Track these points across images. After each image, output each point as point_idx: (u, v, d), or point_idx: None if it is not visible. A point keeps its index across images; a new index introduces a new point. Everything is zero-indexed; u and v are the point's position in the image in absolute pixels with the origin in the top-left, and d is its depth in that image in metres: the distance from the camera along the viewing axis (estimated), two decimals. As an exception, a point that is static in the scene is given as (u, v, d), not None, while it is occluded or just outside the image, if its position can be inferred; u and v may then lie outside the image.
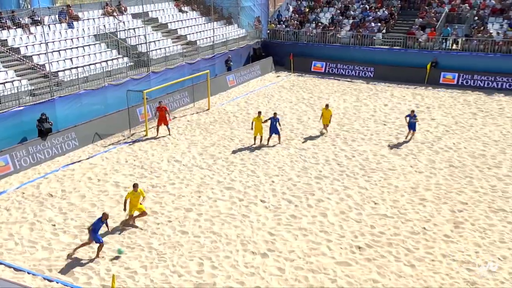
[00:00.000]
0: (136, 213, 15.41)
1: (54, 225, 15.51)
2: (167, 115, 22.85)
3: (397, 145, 21.41)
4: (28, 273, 13.17)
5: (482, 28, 31.54)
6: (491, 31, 31.15)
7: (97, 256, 13.81)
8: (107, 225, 14.22)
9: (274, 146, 21.56)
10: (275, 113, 21.85)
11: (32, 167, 19.73)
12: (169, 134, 23.00)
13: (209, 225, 15.33)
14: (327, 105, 22.67)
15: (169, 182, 18.39)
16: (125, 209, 15.29)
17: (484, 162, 19.59)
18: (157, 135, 22.91)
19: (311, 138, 22.50)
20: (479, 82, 30.07)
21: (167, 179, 18.59)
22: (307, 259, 13.58)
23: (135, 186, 15.29)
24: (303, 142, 21.98)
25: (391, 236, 14.63)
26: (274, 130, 21.54)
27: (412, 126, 21.72)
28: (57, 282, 12.82)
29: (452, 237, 14.49)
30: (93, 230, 13.62)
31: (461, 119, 24.60)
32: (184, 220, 15.67)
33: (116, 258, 13.74)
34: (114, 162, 20.24)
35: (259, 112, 21.79)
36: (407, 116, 21.96)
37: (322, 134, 22.78)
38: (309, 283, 12.61)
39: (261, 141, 21.67)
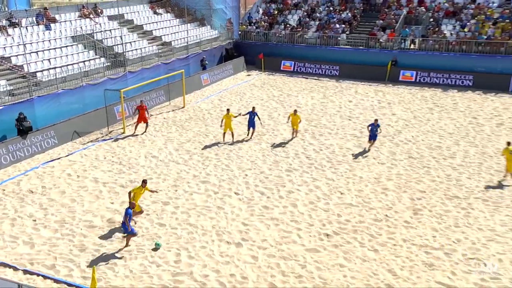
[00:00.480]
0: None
1: (35, 220, 15.16)
2: (146, 113, 22.53)
3: (361, 139, 21.66)
4: (10, 266, 12.86)
5: (437, 29, 32.13)
6: (445, 32, 31.76)
7: (127, 245, 13.65)
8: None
9: (247, 141, 21.54)
10: (253, 107, 21.88)
11: (12, 165, 19.22)
12: (145, 132, 22.69)
13: (186, 217, 15.24)
14: (295, 111, 21.52)
15: (147, 177, 18.15)
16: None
17: (440, 153, 20.01)
18: (135, 132, 22.61)
19: (281, 133, 22.56)
20: (435, 79, 30.64)
21: (145, 174, 18.37)
22: (279, 247, 13.64)
23: (144, 182, 14.88)
24: (274, 137, 22.03)
25: (356, 223, 14.82)
26: (252, 124, 21.58)
27: (373, 136, 20.14)
28: (39, 275, 12.55)
29: (412, 223, 14.77)
30: (125, 222, 13.29)
31: (419, 114, 25.05)
32: (161, 213, 15.53)
33: (155, 250, 13.56)
34: (93, 159, 19.90)
35: (228, 110, 21.69)
36: (369, 125, 20.31)
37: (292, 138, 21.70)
38: (281, 270, 12.68)
39: (232, 137, 21.58)
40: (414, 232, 14.30)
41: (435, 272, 12.48)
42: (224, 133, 21.42)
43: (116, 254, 13.38)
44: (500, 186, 16.99)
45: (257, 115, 21.71)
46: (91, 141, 21.95)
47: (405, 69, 31.49)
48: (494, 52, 29.69)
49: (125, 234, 13.73)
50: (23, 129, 20.22)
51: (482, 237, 13.99)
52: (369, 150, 20.25)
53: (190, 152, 20.51)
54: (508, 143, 17.57)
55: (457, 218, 15.03)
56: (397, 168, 18.57)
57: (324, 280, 12.26)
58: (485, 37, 30.23)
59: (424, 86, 30.19)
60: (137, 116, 22.65)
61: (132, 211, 13.64)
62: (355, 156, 19.82)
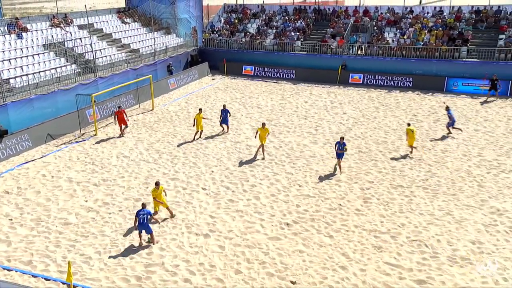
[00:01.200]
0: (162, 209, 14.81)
1: (11, 219, 14.57)
2: (125, 116, 21.92)
3: (317, 136, 21.92)
4: (-12, 265, 12.32)
5: (380, 36, 32.88)
6: (387, 39, 32.53)
7: (155, 242, 13.24)
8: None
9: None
10: (224, 105, 21.80)
11: (-13, 168, 18.40)
12: (123, 135, 22.07)
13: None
14: (263, 124, 18.91)
15: (119, 175, 17.79)
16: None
17: (386, 147, 20.49)
18: (123, 134, 21.95)
19: (244, 132, 22.54)
20: (380, 81, 31.31)
21: (117, 173, 17.98)
22: (244, 237, 13.65)
23: (156, 184, 14.48)
24: (237, 136, 21.99)
25: (313, 212, 15.00)
26: (225, 121, 21.59)
27: (340, 155, 17.49)
28: (16, 271, 12.07)
29: (362, 211, 15.08)
30: (144, 223, 12.85)
31: (367, 112, 25.55)
32: (133, 209, 15.21)
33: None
34: (67, 160, 19.29)
35: (200, 109, 21.52)
36: (336, 143, 17.57)
37: (262, 158, 19.02)
38: (246, 257, 12.69)
39: (200, 135, 21.42)
40: (364, 218, 14.60)
41: (383, 254, 12.80)
42: (197, 132, 21.23)
43: (91, 249, 13.04)
44: (437, 175, 17.57)
45: (229, 112, 21.77)
46: (65, 143, 21.28)
47: (353, 73, 32.01)
48: (430, 57, 30.64)
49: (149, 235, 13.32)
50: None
51: (423, 221, 14.44)
52: (335, 169, 17.64)
53: (160, 151, 20.20)
54: (408, 124, 19.62)
55: (402, 204, 15.44)
56: (349, 162, 18.90)
57: (285, 265, 12.36)
58: (422, 43, 31.19)
59: (370, 88, 30.83)
60: (117, 121, 21.93)
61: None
62: (311, 151, 20.04)
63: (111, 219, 14.60)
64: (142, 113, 25.81)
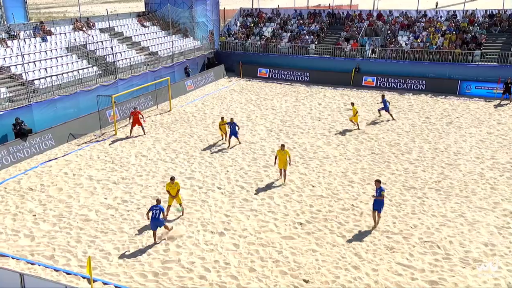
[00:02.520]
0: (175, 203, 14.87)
1: (35, 215, 14.80)
2: (141, 118, 22.05)
3: (330, 137, 21.81)
4: (13, 258, 12.55)
5: (393, 40, 32.56)
6: (401, 42, 32.20)
7: (164, 239, 13.32)
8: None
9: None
10: (231, 119, 20.48)
11: (13, 165, 18.73)
12: (144, 134, 22.23)
13: (173, 210, 15.08)
14: (282, 146, 16.67)
15: (137, 174, 17.94)
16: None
17: (399, 149, 20.27)
18: (131, 135, 22.14)
19: (258, 133, 22.54)
20: (393, 84, 31.02)
21: (135, 172, 18.13)
22: (258, 235, 13.62)
23: (172, 179, 14.61)
24: (252, 137, 21.99)
25: (326, 213, 14.90)
26: (233, 133, 20.30)
27: (377, 205, 13.83)
28: (39, 265, 12.26)
29: (375, 211, 14.91)
30: (157, 217, 12.92)
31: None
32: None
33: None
34: (88, 158, 19.53)
35: (222, 118, 21.26)
36: (376, 190, 13.80)
37: (281, 184, 16.83)
38: (260, 255, 12.66)
39: (225, 138, 20.98)
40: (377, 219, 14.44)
41: (395, 255, 12.65)
42: (224, 137, 20.98)
43: (110, 245, 13.16)
44: (450, 177, 17.31)
45: (237, 125, 20.27)
46: (86, 142, 21.54)
47: (367, 75, 31.76)
48: (443, 60, 30.23)
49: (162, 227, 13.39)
50: (23, 132, 19.75)
51: (436, 222, 14.23)
52: (376, 224, 14.00)
53: (177, 151, 20.31)
54: (352, 104, 23.16)
55: (414, 206, 15.25)
56: (362, 163, 18.74)
57: (298, 263, 12.30)
58: (435, 46, 30.79)
59: (384, 90, 30.51)
60: (131, 121, 22.10)
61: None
62: (325, 153, 19.93)
63: (129, 216, 14.72)
64: (160, 114, 26.00)
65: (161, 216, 13.23)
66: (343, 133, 22.37)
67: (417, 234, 13.56)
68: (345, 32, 34.67)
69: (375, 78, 31.46)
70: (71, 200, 15.83)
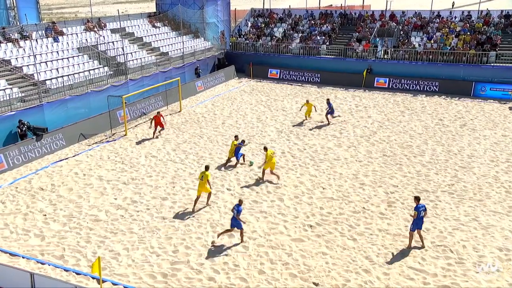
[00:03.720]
0: (203, 194, 15.27)
1: (45, 215, 14.95)
2: (162, 120, 22.15)
3: (341, 139, 21.70)
4: (23, 257, 12.68)
5: (406, 40, 32.32)
6: (414, 43, 31.95)
7: (242, 241, 13.30)
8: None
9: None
10: (236, 136, 19.22)
11: (24, 165, 18.96)
12: (160, 134, 22.25)
13: (183, 211, 15.12)
14: (265, 148, 17.47)
15: (147, 175, 18.03)
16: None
17: (411, 151, 20.10)
18: (154, 136, 22.06)
19: (269, 134, 22.52)
20: (405, 85, 30.78)
21: (145, 172, 18.22)
22: (267, 237, 13.59)
23: (207, 167, 15.20)
24: (262, 138, 21.97)
25: (336, 215, 14.82)
26: (237, 154, 18.53)
27: (417, 223, 12.94)
28: (49, 265, 12.37)
29: (386, 214, 14.81)
30: (236, 218, 12.99)
31: (392, 116, 25.15)
32: (161, 207, 15.39)
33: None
34: (98, 159, 19.68)
35: (236, 136, 19.23)
36: (416, 209, 12.86)
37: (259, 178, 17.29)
38: (269, 258, 12.63)
39: (227, 162, 19.02)
40: (388, 222, 14.34)
41: (407, 258, 12.52)
42: (228, 159, 18.81)
43: (120, 245, 13.24)
44: (463, 180, 17.11)
45: (243, 143, 18.60)
46: (96, 142, 21.72)
47: (379, 76, 31.58)
48: (457, 61, 29.92)
49: (239, 230, 13.25)
50: (34, 132, 20.02)
51: (449, 226, 14.08)
52: (422, 244, 13.16)
53: (186, 152, 20.38)
54: (307, 101, 24.13)
55: (427, 209, 15.06)
56: (373, 165, 18.62)
57: (308, 266, 12.25)
58: (449, 47, 30.49)
59: (396, 92, 30.33)
60: (153, 125, 22.07)
61: (241, 207, 13.26)
62: (335, 154, 19.83)
63: (139, 217, 14.80)
64: (170, 114, 26.12)
65: (239, 217, 13.11)
66: (354, 134, 22.24)
67: (429, 238, 13.42)
68: (357, 33, 34.51)
69: (387, 79, 31.25)
70: (81, 200, 15.97)
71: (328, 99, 24.38)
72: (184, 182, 17.29)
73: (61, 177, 17.87)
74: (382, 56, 32.63)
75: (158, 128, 22.19)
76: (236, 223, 13.10)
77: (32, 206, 15.55)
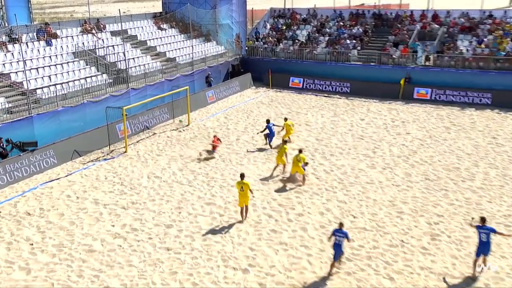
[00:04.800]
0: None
1: (32, 244, 15.09)
2: (218, 142, 22.66)
3: (375, 159, 21.53)
4: (5, 294, 12.78)
5: (452, 45, 32.18)
6: (461, 48, 31.78)
7: (333, 269, 13.52)
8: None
9: (255, 157, 21.47)
10: (242, 174, 17.83)
11: (9, 185, 19.26)
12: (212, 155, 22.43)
13: (190, 241, 15.12)
14: (242, 175, 16.55)
15: (149, 198, 18.13)
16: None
17: (458, 175, 19.81)
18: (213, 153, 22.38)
19: (290, 153, 22.44)
20: (451, 97, 30.53)
21: (147, 196, 18.33)
22: (288, 274, 13.46)
23: (242, 176, 16.16)
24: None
25: (370, 249, 14.62)
26: (272, 134, 22.85)
27: (484, 247, 13.16)
28: (35, 303, 12.43)
29: (430, 249, 14.55)
30: (340, 244, 13.24)
31: (435, 133, 24.91)
32: (164, 236, 15.41)
33: None
34: (94, 179, 19.90)
35: (285, 141, 20.87)
36: (479, 228, 13.25)
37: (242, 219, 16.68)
38: (290, 298, 12.49)
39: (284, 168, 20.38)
40: (432, 259, 14.07)
41: (455, 303, 12.24)
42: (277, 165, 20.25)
43: (117, 280, 13.24)
44: (522, 210, 16.74)
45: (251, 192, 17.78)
46: (92, 160, 21.99)
47: (419, 87, 31.42)
48: (513, 69, 29.65)
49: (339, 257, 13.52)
50: (22, 148, 20.32)
51: (506, 265, 13.73)
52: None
53: (195, 172, 20.47)
54: (285, 119, 23.74)
55: (478, 244, 14.77)
56: (413, 191, 18.39)
57: (336, 310, 12.06)
58: (504, 53, 30.21)
59: (439, 104, 30.09)
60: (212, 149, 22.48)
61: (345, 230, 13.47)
62: (368, 177, 19.66)
63: (139, 247, 14.83)
64: (177, 128, 26.35)
65: (345, 243, 13.33)
66: (390, 154, 22.05)
67: (482, 279, 13.09)
68: (394, 36, 34.51)
69: (429, 90, 31.10)
70: (74, 227, 16.09)
71: (267, 120, 23.50)
72: (192, 207, 17.32)
73: (51, 200, 18.08)
74: (423, 63, 32.48)
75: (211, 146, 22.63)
76: (339, 250, 13.26)
77: (17, 234, 15.72)
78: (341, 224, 13.56)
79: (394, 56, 32.79)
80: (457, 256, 14.20)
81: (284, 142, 20.78)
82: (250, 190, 16.19)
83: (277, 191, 18.53)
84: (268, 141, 23.27)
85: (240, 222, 16.20)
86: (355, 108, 29.84)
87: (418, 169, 20.43)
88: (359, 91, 32.60)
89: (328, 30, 37.33)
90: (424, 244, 14.82)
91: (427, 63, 32.45)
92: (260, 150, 22.89)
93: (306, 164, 19.20)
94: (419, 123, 26.67)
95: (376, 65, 33.11)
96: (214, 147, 22.51)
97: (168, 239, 15.25)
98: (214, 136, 23.05)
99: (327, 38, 36.27)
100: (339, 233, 13.29)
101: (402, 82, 31.60)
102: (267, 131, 22.99)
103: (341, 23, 37.54)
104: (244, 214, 16.40)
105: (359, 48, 34.52)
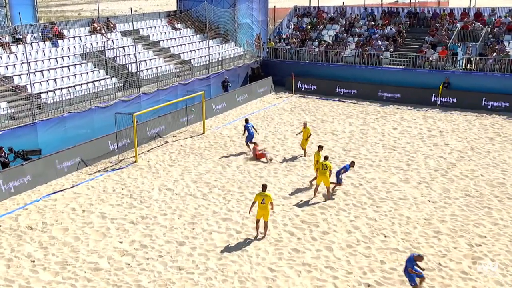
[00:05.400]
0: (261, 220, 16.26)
1: (33, 261, 15.30)
2: (259, 148, 23.28)
3: (409, 172, 21.37)
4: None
5: (497, 46, 31.85)
6: (507, 50, 31.43)
7: None
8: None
9: (276, 170, 21.48)
10: (246, 119, 23.70)
11: (11, 197, 19.57)
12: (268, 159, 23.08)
13: (204, 260, 15.16)
14: (264, 186, 16.58)
15: (161, 212, 18.25)
16: (250, 211, 16.59)
17: (504, 191, 19.53)
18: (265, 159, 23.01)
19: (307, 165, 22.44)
20: (495, 104, 30.17)
21: (158, 210, 18.46)
22: (312, 298, 13.41)
23: (264, 187, 16.27)
24: (306, 169, 21.92)
25: (403, 272, 14.44)
26: (251, 135, 23.58)
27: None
28: (36, 325, 12.59)
29: (471, 274, 14.34)
30: (408, 269, 13.38)
31: (477, 144, 24.63)
32: (176, 254, 15.48)
33: None
34: (101, 191, 20.13)
35: (320, 148, 20.75)
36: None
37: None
38: (314, 325, 12.42)
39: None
40: (474, 285, 13.87)
41: (499, 334, 12.01)
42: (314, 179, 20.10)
43: (124, 302, 13.34)
44: None
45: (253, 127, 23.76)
46: (99, 170, 22.26)
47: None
48: None
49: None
50: (25, 157, 20.69)
51: (556, 292, 13.46)
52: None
53: (210, 184, 20.56)
54: (305, 124, 23.37)
55: (525, 268, 14.53)
56: (452, 208, 18.19)
57: None
58: (556, 55, 29.81)
59: (482, 112, 29.75)
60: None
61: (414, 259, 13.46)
62: (401, 192, 19.50)
63: (149, 266, 14.92)
64: (191, 137, 26.55)
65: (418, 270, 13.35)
66: (426, 167, 21.85)
67: (529, 308, 12.84)
68: (431, 37, 34.35)
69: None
70: (79, 243, 16.28)
71: (246, 119, 24.51)
72: (206, 223, 17.39)
73: (55, 214, 18.33)
74: (464, 67, 32.23)
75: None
76: (410, 278, 13.28)
77: (18, 250, 15.94)
78: (420, 257, 13.41)
79: (431, 59, 32.58)
80: (502, 282, 13.96)
81: (320, 148, 20.66)
82: (271, 204, 16.23)
83: (300, 206, 18.49)
84: (246, 141, 24.10)
85: (259, 238, 16.18)
86: (387, 116, 29.67)
87: (458, 184, 20.19)
88: (391, 97, 32.44)
89: (357, 30, 37.32)
90: (465, 268, 14.60)
91: (468, 67, 32.18)
92: (281, 161, 22.90)
93: (342, 172, 19.62)
94: (459, 133, 26.40)
95: (411, 69, 32.95)
96: (260, 156, 23.01)
97: (180, 258, 15.32)
98: (254, 148, 23.39)
99: (356, 39, 36.25)
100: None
101: (440, 87, 31.37)
102: (246, 132, 23.90)
103: (372, 23, 37.51)
104: (263, 229, 16.41)
105: (392, 50, 34.41)
